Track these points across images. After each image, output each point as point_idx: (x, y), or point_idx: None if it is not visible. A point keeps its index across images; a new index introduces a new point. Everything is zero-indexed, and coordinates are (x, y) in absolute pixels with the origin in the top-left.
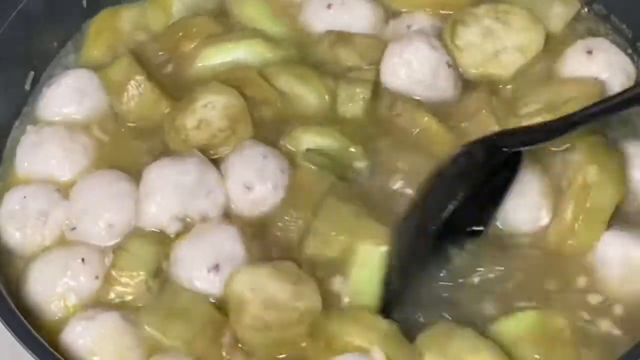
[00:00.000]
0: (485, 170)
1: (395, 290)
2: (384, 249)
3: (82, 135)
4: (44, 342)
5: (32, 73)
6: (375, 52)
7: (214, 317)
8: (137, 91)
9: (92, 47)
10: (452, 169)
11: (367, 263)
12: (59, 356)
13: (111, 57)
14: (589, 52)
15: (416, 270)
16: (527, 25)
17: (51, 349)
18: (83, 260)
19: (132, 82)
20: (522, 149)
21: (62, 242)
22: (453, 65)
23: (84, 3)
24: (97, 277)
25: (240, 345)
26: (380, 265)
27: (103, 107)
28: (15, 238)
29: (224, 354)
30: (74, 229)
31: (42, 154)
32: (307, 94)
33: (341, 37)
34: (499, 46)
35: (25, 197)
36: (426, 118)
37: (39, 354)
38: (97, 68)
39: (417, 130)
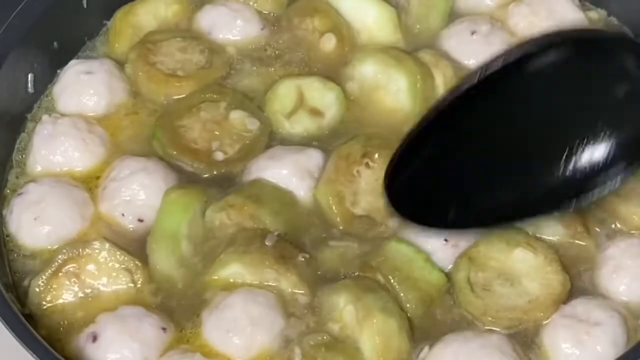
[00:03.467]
0: None
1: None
2: None
3: (98, 126)
4: (44, 342)
5: (31, 75)
6: None
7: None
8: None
9: (115, 42)
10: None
11: None
12: (59, 356)
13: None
14: None
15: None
16: None
17: (51, 349)
18: None
19: None
20: None
21: None
22: None
23: (84, 3)
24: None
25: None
26: None
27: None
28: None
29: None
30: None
31: (60, 144)
32: None
33: None
34: None
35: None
36: None
37: (40, 354)
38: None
39: None
